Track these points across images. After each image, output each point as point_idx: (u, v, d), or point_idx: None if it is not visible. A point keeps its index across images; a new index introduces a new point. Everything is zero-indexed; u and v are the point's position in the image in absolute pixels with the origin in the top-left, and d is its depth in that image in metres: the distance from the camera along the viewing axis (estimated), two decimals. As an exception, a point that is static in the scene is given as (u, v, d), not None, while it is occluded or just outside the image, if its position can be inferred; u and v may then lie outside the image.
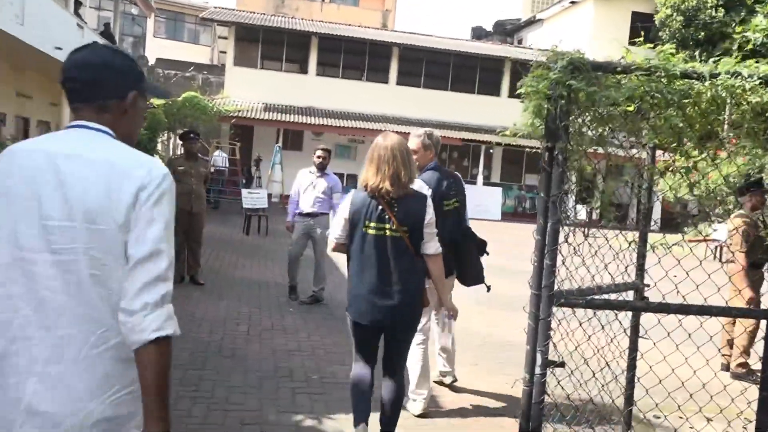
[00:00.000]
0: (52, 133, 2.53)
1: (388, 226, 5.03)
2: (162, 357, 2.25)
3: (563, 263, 4.40)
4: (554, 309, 4.14)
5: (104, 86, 2.50)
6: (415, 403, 6.32)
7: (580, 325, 4.86)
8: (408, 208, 5.01)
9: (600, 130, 4.25)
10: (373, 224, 5.04)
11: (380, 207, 5.03)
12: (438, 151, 6.46)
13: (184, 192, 11.03)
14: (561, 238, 4.17)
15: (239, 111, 30.37)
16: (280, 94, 33.42)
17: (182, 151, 11.64)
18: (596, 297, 4.40)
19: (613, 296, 5.04)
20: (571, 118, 4.04)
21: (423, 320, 6.14)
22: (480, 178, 34.96)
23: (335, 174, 12.13)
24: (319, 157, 10.64)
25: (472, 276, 6.35)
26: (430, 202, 5.11)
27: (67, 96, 2.50)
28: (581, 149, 4.17)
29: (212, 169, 26.35)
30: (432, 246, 5.08)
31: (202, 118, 25.79)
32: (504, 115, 32.79)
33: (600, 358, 5.20)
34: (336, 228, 5.21)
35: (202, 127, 26.28)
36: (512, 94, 34.86)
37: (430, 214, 5.05)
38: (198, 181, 11.26)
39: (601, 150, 4.31)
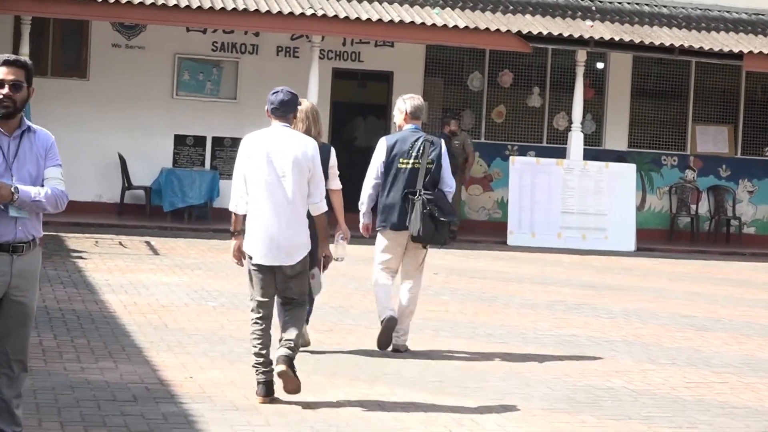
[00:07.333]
0: (269, 128, 5.97)
1: None
2: (325, 219, 6.02)
3: None
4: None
5: (291, 109, 5.98)
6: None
7: None
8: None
9: None
10: None
11: None
12: (419, 115, 7.58)
13: None
14: None
15: None
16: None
17: None
18: None
19: None
20: None
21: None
22: (574, 140, 16.05)
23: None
24: None
25: (429, 233, 7.28)
26: (333, 151, 7.15)
27: (275, 113, 5.90)
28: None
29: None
30: (334, 183, 7.02)
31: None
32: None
33: None
34: None
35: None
36: None
37: (333, 160, 7.10)
38: None
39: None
